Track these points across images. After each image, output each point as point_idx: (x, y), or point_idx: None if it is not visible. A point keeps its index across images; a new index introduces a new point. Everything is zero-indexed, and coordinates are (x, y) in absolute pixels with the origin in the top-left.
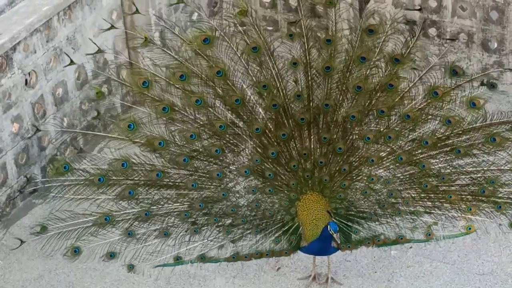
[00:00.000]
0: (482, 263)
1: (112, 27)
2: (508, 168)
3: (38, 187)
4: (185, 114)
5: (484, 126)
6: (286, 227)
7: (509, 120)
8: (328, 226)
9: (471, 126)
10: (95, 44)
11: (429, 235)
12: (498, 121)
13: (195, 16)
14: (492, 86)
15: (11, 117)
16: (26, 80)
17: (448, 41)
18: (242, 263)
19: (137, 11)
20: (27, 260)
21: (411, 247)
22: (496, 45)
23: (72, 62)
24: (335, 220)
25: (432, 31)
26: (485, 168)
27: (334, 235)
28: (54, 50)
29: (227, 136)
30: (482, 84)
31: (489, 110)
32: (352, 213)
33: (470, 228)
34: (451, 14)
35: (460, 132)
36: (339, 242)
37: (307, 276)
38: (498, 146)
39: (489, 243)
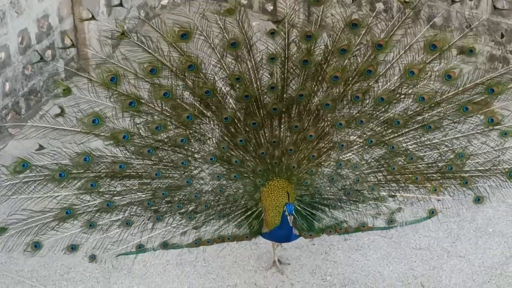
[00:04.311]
0: (419, 238)
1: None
2: (476, 132)
3: None
4: (152, 106)
5: (458, 94)
6: (249, 212)
7: (482, 81)
8: (284, 207)
9: (444, 97)
10: (39, 53)
11: (391, 221)
12: (472, 84)
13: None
14: (470, 52)
15: None
16: None
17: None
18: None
19: (93, 18)
20: None
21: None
22: (442, 21)
23: (42, 59)
24: (294, 203)
25: (379, 5)
26: (453, 137)
27: (288, 217)
28: None
29: (194, 126)
30: (461, 52)
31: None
32: (317, 200)
33: (433, 212)
34: None
35: (433, 105)
36: (291, 225)
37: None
38: (469, 113)
39: None
